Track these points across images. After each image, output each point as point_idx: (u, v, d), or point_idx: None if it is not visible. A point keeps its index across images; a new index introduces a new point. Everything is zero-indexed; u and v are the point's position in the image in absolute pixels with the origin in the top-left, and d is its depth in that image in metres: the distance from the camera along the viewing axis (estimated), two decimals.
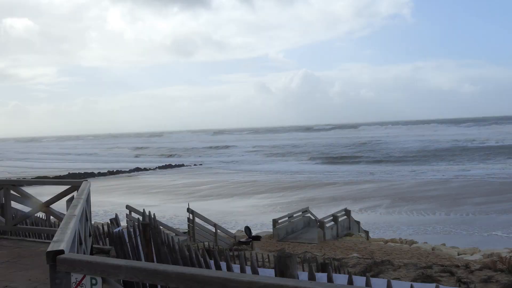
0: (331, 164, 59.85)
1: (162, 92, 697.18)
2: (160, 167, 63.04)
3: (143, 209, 8.45)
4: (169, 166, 63.99)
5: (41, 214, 13.76)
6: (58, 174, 53.21)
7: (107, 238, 9.79)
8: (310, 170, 53.31)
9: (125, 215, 14.89)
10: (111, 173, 56.57)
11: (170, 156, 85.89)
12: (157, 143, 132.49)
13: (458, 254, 16.66)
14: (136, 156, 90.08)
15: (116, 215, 10.67)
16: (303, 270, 7.55)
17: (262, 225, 23.60)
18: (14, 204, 8.85)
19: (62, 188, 8.16)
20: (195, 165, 67.07)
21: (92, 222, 10.87)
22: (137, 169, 59.96)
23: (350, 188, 36.85)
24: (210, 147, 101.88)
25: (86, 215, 6.53)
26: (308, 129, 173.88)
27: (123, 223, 14.45)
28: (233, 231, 20.73)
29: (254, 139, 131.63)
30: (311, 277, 3.04)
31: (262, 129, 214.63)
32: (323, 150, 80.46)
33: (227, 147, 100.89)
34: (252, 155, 79.47)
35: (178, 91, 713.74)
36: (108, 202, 32.56)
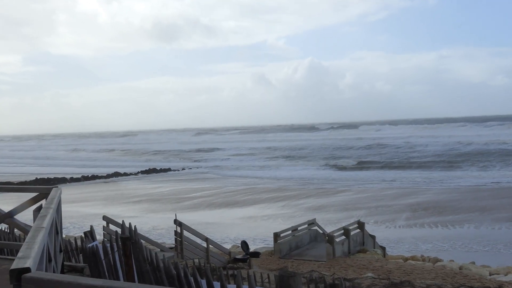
0: (341, 169, 59.90)
1: (143, 84, 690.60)
2: (142, 172, 63.14)
3: (123, 221, 8.48)
4: (154, 171, 64.08)
5: (3, 226, 13.75)
6: (23, 179, 53.14)
7: (81, 254, 9.80)
8: (316, 176, 53.36)
9: (101, 227, 14.88)
10: (85, 178, 56.54)
11: (149, 160, 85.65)
12: (127, 145, 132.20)
13: (490, 274, 16.68)
14: (95, 160, 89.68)
15: (91, 227, 10.66)
16: None
17: (261, 240, 23.60)
18: None
19: (29, 195, 8.15)
20: (183, 169, 67.18)
21: (64, 236, 10.84)
22: (116, 174, 59.98)
23: (363, 197, 36.88)
24: (198, 150, 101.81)
25: (56, 227, 6.52)
26: (313, 128, 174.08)
27: (99, 237, 14.43)
28: (228, 247, 20.72)
29: (251, 139, 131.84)
30: None
31: (260, 128, 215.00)
32: (331, 153, 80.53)
33: (219, 149, 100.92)
34: (249, 159, 79.52)
35: (162, 83, 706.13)
36: (82, 212, 32.51)
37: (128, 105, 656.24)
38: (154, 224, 28.12)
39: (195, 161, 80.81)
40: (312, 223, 21.99)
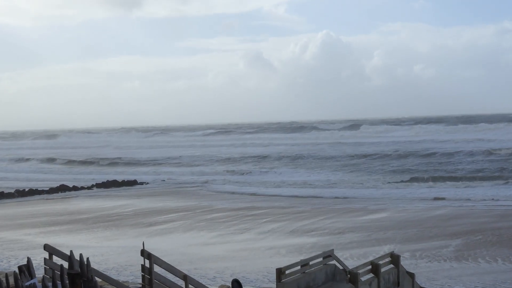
0: (365, 185, 59.95)
1: (97, 65, 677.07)
2: (99, 185, 63.20)
3: (71, 251, 8.41)
4: (114, 184, 64.14)
5: None
6: None
7: None
8: (334, 192, 53.39)
9: (42, 260, 14.82)
10: (21, 193, 56.54)
11: (106, 173, 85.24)
12: (79, 149, 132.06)
13: None
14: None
15: (29, 260, 10.59)
16: None
17: (259, 278, 23.54)
18: None
19: None
20: (154, 181, 67.34)
21: None
22: (63, 188, 60.02)
23: (398, 219, 36.88)
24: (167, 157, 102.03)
25: None
26: (325, 127, 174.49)
27: (40, 272, 14.34)
28: None
29: (246, 141, 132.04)
30: None
31: (255, 126, 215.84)
32: (353, 161, 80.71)
33: (201, 155, 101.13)
34: (245, 167, 79.62)
35: (124, 64, 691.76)
36: (16, 240, 32.44)
37: (76, 94, 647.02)
38: (114, 256, 28.04)
39: (161, 172, 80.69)
40: (328, 255, 21.89)
